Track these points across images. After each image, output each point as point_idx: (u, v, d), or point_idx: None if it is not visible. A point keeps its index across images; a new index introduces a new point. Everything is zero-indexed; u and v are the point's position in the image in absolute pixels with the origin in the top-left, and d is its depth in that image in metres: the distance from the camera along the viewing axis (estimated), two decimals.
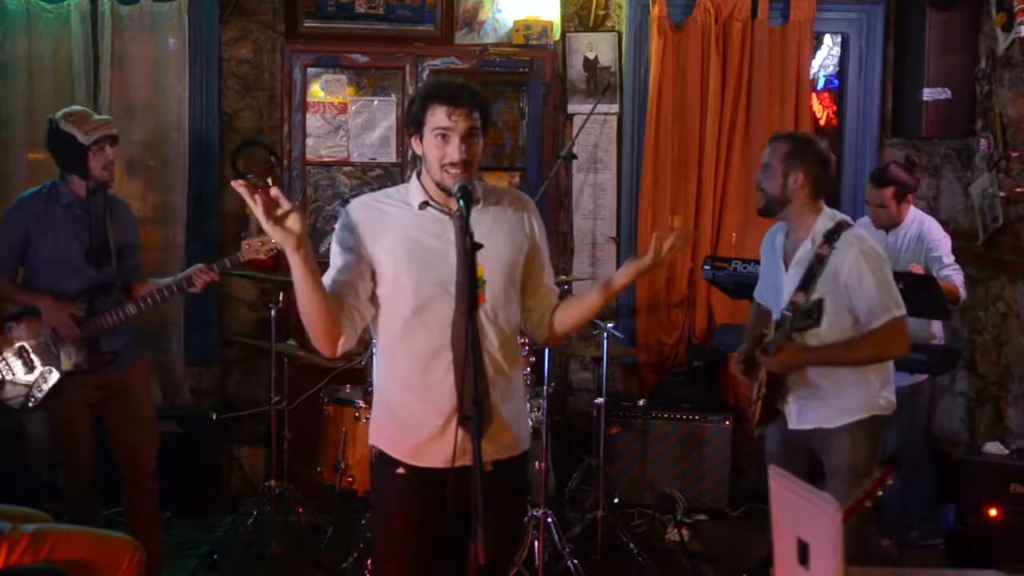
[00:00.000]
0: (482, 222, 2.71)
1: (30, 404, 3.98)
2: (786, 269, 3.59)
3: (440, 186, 2.68)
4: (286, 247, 2.48)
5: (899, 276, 3.70)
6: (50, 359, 3.96)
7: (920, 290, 4.26)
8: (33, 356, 3.98)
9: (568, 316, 2.91)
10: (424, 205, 2.72)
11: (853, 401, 3.52)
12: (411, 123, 2.72)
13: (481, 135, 2.68)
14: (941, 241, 4.70)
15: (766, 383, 3.56)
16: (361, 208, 2.77)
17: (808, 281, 3.47)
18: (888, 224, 4.75)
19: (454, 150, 2.62)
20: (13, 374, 3.97)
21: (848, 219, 3.59)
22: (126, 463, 4.12)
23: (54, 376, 3.96)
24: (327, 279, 2.71)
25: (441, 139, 2.64)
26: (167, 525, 4.87)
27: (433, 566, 2.76)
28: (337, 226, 2.79)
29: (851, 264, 3.40)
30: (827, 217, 3.54)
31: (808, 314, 3.26)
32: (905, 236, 4.74)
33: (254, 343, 5.15)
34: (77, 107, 4.13)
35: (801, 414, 3.59)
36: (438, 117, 2.63)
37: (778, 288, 3.63)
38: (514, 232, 2.80)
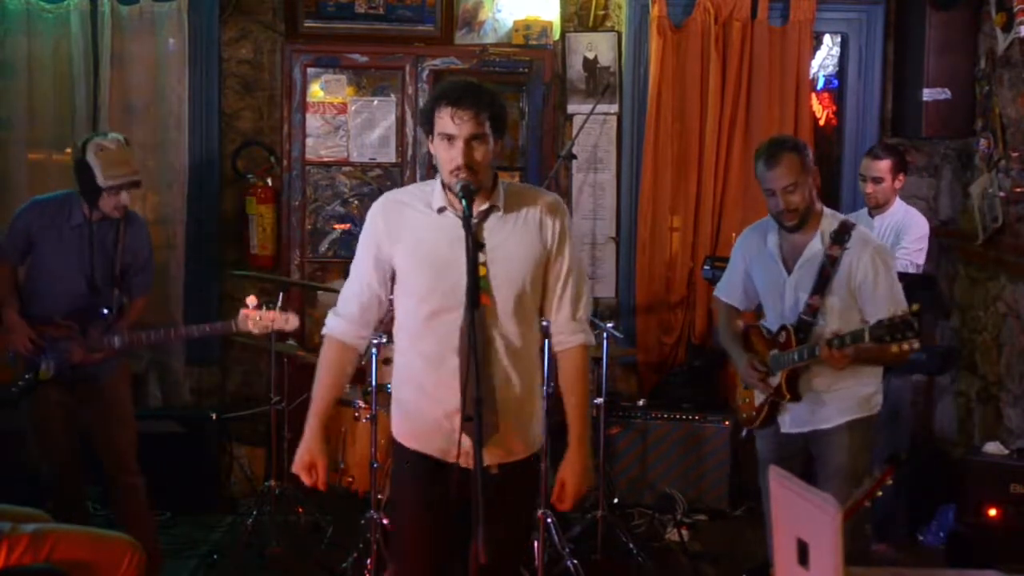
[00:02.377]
0: (499, 230, 2.70)
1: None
2: (787, 270, 3.59)
3: (450, 189, 2.67)
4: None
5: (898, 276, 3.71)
6: (30, 363, 4.01)
7: (918, 288, 4.27)
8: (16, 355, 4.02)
9: (561, 381, 2.89)
10: (442, 210, 2.71)
11: (851, 401, 3.53)
12: (424, 125, 2.72)
13: (491, 137, 2.65)
14: (914, 228, 4.75)
15: (786, 385, 3.55)
16: (385, 206, 2.79)
17: (823, 282, 3.47)
18: (882, 202, 4.79)
19: (457, 153, 2.60)
20: None
21: (848, 217, 3.60)
22: (109, 462, 4.16)
23: (29, 380, 4.01)
24: (350, 290, 2.83)
25: (447, 142, 2.63)
26: (167, 525, 4.88)
27: (446, 550, 2.77)
28: (365, 224, 2.82)
29: (867, 264, 3.42)
30: (830, 216, 3.55)
31: (909, 325, 3.13)
32: (890, 224, 4.78)
33: (254, 343, 5.14)
34: (113, 139, 4.02)
35: (795, 417, 3.60)
36: (444, 120, 2.62)
37: (776, 290, 3.62)
38: (533, 242, 2.74)
